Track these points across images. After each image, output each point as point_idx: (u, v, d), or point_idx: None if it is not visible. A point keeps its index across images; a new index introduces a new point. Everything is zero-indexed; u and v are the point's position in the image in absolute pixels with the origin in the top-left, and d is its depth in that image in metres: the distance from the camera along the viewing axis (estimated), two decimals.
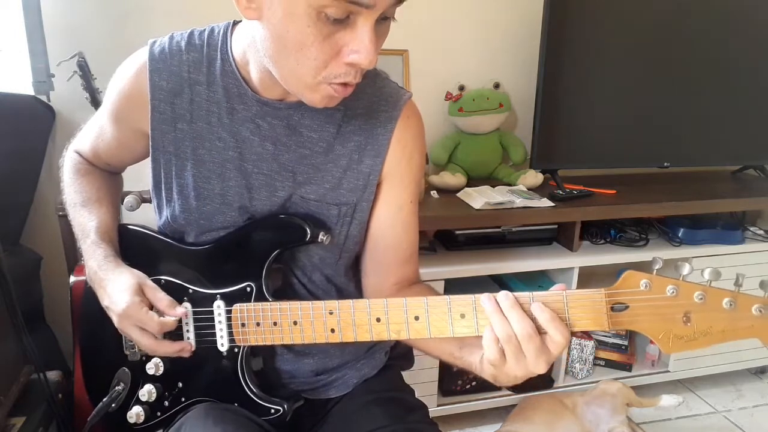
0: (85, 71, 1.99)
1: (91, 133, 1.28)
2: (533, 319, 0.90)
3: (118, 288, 1.08)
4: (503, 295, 0.93)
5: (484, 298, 0.93)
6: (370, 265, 1.24)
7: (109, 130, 1.22)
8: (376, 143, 1.15)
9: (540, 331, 0.90)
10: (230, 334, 1.11)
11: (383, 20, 0.92)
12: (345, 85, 0.96)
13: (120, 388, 1.19)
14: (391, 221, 1.20)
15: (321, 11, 0.85)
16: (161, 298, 1.08)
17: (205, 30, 1.13)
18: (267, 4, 0.90)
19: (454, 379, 2.42)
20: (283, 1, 0.88)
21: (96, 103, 2.04)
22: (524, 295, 0.92)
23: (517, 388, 2.47)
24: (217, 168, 1.13)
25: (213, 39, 1.12)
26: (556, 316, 0.90)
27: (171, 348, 1.09)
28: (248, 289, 1.11)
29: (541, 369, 0.91)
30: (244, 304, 1.10)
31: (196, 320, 1.13)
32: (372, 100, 1.15)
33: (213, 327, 1.12)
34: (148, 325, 1.05)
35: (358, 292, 1.29)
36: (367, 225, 1.21)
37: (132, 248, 1.21)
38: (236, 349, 1.12)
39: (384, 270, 1.23)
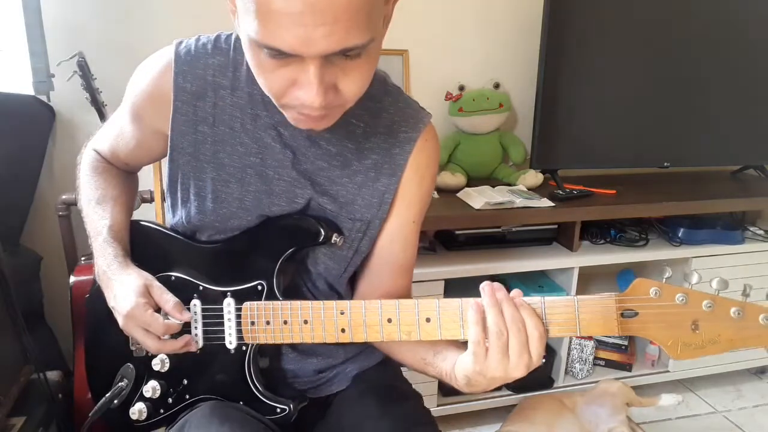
0: (85, 71, 1.99)
1: (111, 133, 1.27)
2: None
3: (124, 289, 1.08)
4: (499, 287, 0.94)
5: (486, 291, 0.94)
6: (363, 275, 1.25)
7: (129, 129, 1.21)
8: (393, 163, 1.15)
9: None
10: (239, 332, 1.11)
11: (343, 57, 0.86)
12: (308, 115, 0.94)
13: (123, 384, 1.18)
14: (391, 237, 1.20)
15: (261, 45, 0.84)
16: (168, 300, 1.08)
17: (232, 34, 1.12)
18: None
19: None
20: (240, 31, 0.89)
21: (96, 103, 2.04)
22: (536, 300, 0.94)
23: (517, 388, 2.48)
24: (237, 172, 1.12)
25: (240, 43, 1.11)
26: (533, 310, 0.93)
27: (175, 346, 1.08)
28: (259, 287, 1.10)
29: (520, 372, 0.92)
30: (255, 302, 1.10)
31: (204, 317, 1.13)
32: (393, 120, 1.15)
33: (222, 324, 1.11)
34: (152, 327, 1.05)
35: None
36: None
37: (143, 244, 1.21)
38: (244, 348, 1.11)
39: (375, 280, 1.23)
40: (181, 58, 1.10)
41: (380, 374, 1.30)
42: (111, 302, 1.11)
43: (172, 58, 1.10)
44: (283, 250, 1.11)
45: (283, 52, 0.83)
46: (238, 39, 1.11)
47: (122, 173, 1.32)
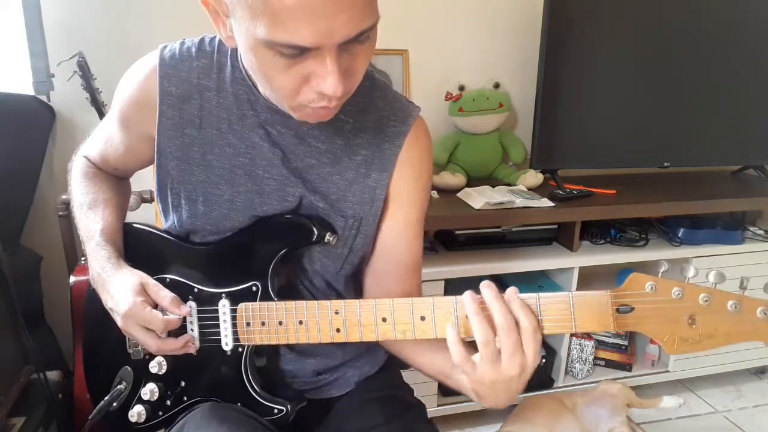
0: (85, 71, 1.99)
1: (100, 139, 1.27)
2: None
3: (120, 289, 1.08)
4: (486, 285, 0.93)
5: (467, 299, 0.93)
6: (372, 277, 1.24)
7: (117, 135, 1.21)
8: (383, 157, 1.14)
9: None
10: (235, 333, 1.11)
11: (356, 42, 0.88)
12: (325, 107, 0.94)
13: (122, 387, 1.18)
14: (396, 239, 1.20)
15: (273, 46, 0.84)
16: (164, 296, 1.08)
17: (216, 36, 1.12)
18: (236, 36, 0.91)
19: None
20: (241, 36, 0.88)
21: (96, 103, 2.04)
22: (530, 296, 0.93)
23: None
24: (226, 174, 1.12)
25: (224, 45, 1.11)
26: (524, 303, 0.91)
27: (175, 344, 1.09)
28: (254, 288, 1.10)
29: (514, 370, 0.90)
30: (250, 303, 1.10)
31: (200, 319, 1.13)
32: (382, 114, 1.15)
33: (217, 326, 1.11)
34: (152, 324, 1.05)
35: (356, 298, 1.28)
36: (373, 239, 1.21)
37: (137, 247, 1.21)
38: (240, 349, 1.11)
39: (385, 284, 1.22)
40: (166, 62, 1.10)
41: (382, 382, 1.30)
42: (108, 303, 1.11)
43: (156, 62, 1.10)
44: (277, 251, 1.11)
45: (301, 47, 0.83)
46: (221, 41, 1.10)
47: (113, 178, 1.32)
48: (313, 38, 0.82)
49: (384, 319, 1.00)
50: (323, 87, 0.88)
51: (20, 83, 2.18)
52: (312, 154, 1.12)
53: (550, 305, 0.92)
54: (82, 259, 2.10)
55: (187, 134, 1.12)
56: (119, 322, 1.08)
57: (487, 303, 0.92)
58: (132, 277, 1.09)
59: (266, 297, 1.10)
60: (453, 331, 0.92)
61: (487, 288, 0.93)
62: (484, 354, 0.90)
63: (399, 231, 1.19)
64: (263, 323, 1.08)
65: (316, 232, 1.10)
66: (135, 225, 1.25)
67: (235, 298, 1.11)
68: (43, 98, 2.25)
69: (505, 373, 0.90)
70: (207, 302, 1.12)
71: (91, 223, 1.19)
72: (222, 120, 1.11)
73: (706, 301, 0.86)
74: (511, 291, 0.93)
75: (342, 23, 0.81)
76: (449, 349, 0.93)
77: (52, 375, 1.93)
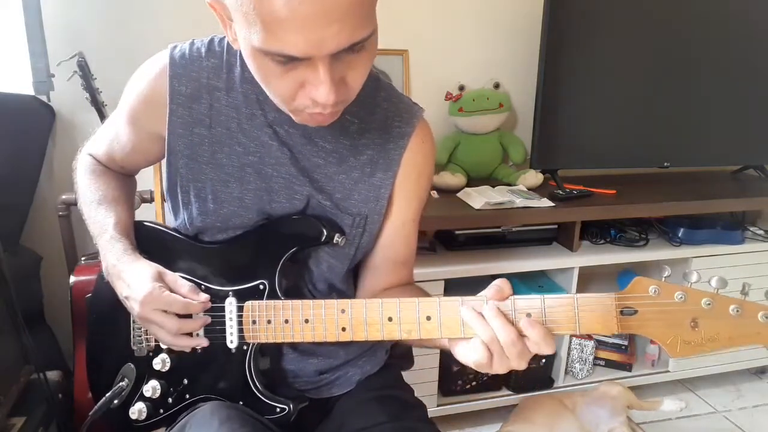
0: (85, 71, 1.99)
1: (106, 137, 1.27)
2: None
3: (137, 277, 1.08)
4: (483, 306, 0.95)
5: (464, 310, 0.95)
6: (367, 271, 1.26)
7: (125, 133, 1.22)
8: (387, 157, 1.16)
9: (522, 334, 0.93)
10: (240, 331, 1.11)
11: (350, 52, 0.88)
12: (320, 113, 0.95)
13: (124, 383, 1.18)
14: (392, 236, 1.22)
15: (267, 54, 0.85)
16: (183, 284, 1.09)
17: (225, 37, 1.13)
18: (238, 41, 0.92)
19: (454, 379, 2.42)
20: (240, 42, 0.90)
21: (96, 103, 2.04)
22: (534, 298, 0.94)
23: (517, 388, 2.48)
24: (236, 172, 1.13)
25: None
26: (547, 332, 0.93)
27: (195, 324, 1.09)
28: (261, 286, 1.11)
29: (522, 366, 0.94)
30: (256, 301, 1.10)
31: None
32: (387, 115, 1.16)
33: (223, 324, 1.12)
34: (172, 306, 1.05)
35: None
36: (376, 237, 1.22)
37: (146, 244, 1.21)
38: (245, 347, 1.12)
39: (381, 276, 1.25)
40: (176, 62, 1.11)
41: (383, 381, 1.30)
42: (124, 292, 1.11)
43: (167, 62, 1.11)
44: (285, 250, 1.12)
45: (293, 57, 0.84)
46: None
47: (120, 176, 1.33)
48: (303, 48, 0.82)
49: (390, 319, 1.00)
50: (316, 95, 0.89)
51: (20, 83, 2.18)
52: (319, 153, 1.14)
53: (555, 308, 0.93)
54: (82, 259, 2.10)
55: (196, 133, 1.12)
56: (136, 308, 1.08)
57: (488, 323, 0.93)
58: (149, 267, 1.11)
59: (273, 296, 1.11)
60: (480, 340, 0.94)
61: (487, 309, 0.94)
62: (492, 350, 0.93)
63: (397, 228, 1.21)
64: (269, 321, 1.09)
65: (325, 232, 1.11)
66: (145, 223, 1.26)
67: (242, 296, 1.11)
68: (43, 98, 2.25)
69: (514, 367, 0.94)
70: (214, 300, 1.13)
71: (103, 218, 1.20)
72: (231, 119, 1.12)
73: (709, 304, 0.87)
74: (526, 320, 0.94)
75: (333, 34, 0.82)
76: (474, 353, 0.95)
77: (52, 375, 1.92)
